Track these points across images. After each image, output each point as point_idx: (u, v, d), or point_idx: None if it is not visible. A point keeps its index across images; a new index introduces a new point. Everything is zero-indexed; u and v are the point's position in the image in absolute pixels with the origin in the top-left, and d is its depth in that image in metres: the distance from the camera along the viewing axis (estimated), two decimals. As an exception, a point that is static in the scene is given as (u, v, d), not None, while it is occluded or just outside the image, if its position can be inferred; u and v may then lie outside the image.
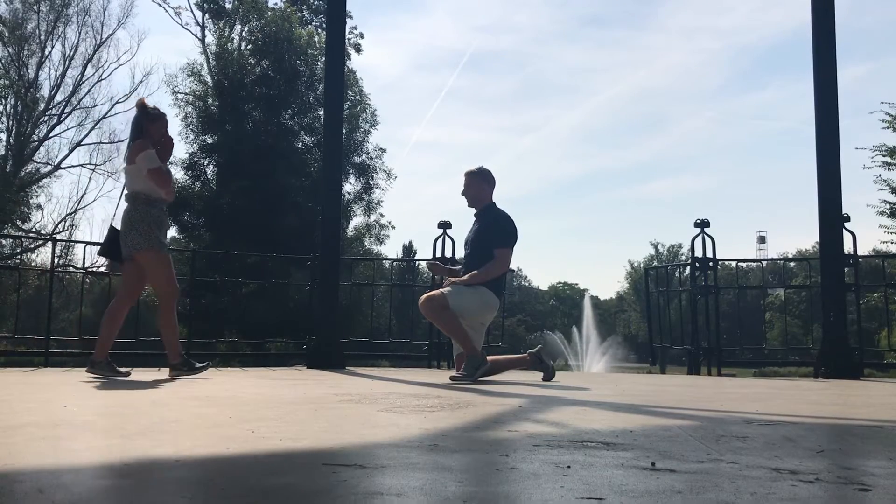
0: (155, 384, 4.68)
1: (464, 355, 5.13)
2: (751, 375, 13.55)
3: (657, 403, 3.90)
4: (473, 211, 5.51)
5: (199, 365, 5.16)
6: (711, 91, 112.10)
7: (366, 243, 27.50)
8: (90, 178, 36.03)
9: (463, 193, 5.46)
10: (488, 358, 5.28)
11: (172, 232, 27.73)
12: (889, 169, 19.08)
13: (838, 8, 6.94)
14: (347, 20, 23.39)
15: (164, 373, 5.44)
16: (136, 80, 34.40)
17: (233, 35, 27.61)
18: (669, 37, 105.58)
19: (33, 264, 25.46)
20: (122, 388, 4.39)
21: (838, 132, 6.70)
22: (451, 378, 5.06)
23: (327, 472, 1.78)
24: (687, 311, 8.09)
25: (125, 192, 5.06)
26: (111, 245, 5.12)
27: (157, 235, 4.95)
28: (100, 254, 5.38)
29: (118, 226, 5.10)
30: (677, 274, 9.40)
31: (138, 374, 5.50)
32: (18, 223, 27.32)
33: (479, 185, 5.43)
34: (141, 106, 5.19)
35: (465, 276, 5.24)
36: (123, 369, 5.20)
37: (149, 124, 5.11)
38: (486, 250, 5.26)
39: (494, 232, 5.32)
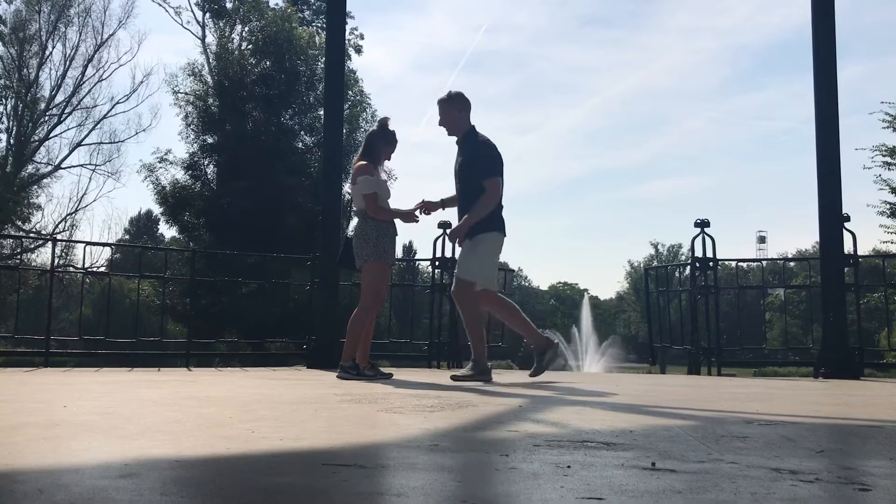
0: (157, 384, 4.68)
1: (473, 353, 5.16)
2: (751, 375, 13.55)
3: (657, 403, 3.90)
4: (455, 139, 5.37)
5: (367, 373, 5.19)
6: (711, 91, 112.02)
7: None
8: (90, 179, 35.90)
9: (440, 124, 5.35)
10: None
11: (173, 232, 27.80)
12: (889, 169, 19.09)
13: (838, 8, 6.94)
14: (348, 21, 23.41)
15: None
16: (137, 81, 34.44)
17: (233, 35, 27.59)
18: (669, 37, 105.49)
19: (33, 264, 25.46)
20: (123, 388, 4.39)
21: (838, 132, 6.69)
22: (453, 377, 5.09)
23: (327, 472, 1.78)
24: (687, 311, 8.09)
25: (353, 207, 5.42)
26: (346, 254, 5.40)
27: (385, 246, 5.20)
28: (337, 263, 5.77)
29: (348, 237, 5.45)
30: (677, 274, 9.41)
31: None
32: (19, 223, 27.33)
33: (451, 112, 5.29)
34: (383, 125, 5.39)
35: (462, 222, 5.13)
36: (386, 370, 5.56)
37: (384, 146, 5.33)
38: (476, 182, 5.13)
39: (479, 162, 5.16)
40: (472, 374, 5.09)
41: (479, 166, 5.15)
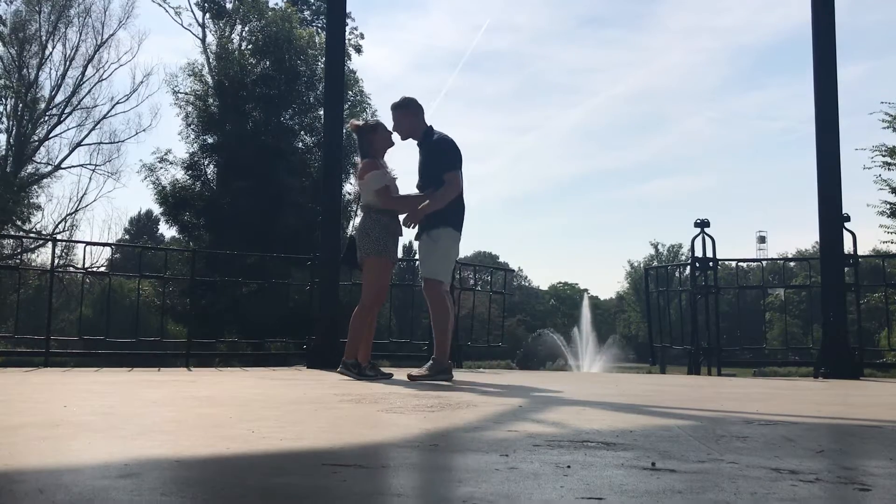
0: (157, 384, 4.68)
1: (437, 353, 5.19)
2: (751, 375, 13.56)
3: (657, 403, 3.90)
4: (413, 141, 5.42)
5: (368, 373, 5.19)
6: (711, 91, 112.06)
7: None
8: (90, 179, 36.01)
9: (394, 129, 5.36)
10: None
11: (173, 232, 27.79)
12: (889, 169, 19.08)
13: (838, 8, 6.94)
14: (348, 21, 23.41)
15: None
16: (137, 81, 34.50)
17: (233, 35, 27.58)
18: (669, 37, 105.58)
19: (33, 264, 25.45)
20: (123, 388, 4.39)
21: (838, 132, 6.70)
22: (409, 377, 5.10)
23: (327, 472, 1.78)
24: (687, 311, 8.09)
25: (360, 202, 5.40)
26: (349, 252, 5.42)
27: (386, 243, 5.19)
28: (341, 262, 5.78)
29: (352, 235, 5.46)
30: (677, 274, 9.41)
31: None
32: (18, 223, 27.32)
33: (408, 117, 5.33)
34: (356, 127, 5.45)
35: (420, 207, 5.15)
36: (386, 370, 5.55)
37: (373, 136, 5.33)
38: (437, 176, 5.18)
39: (440, 157, 5.21)
40: (430, 374, 5.07)
41: (440, 160, 5.20)
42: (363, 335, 5.24)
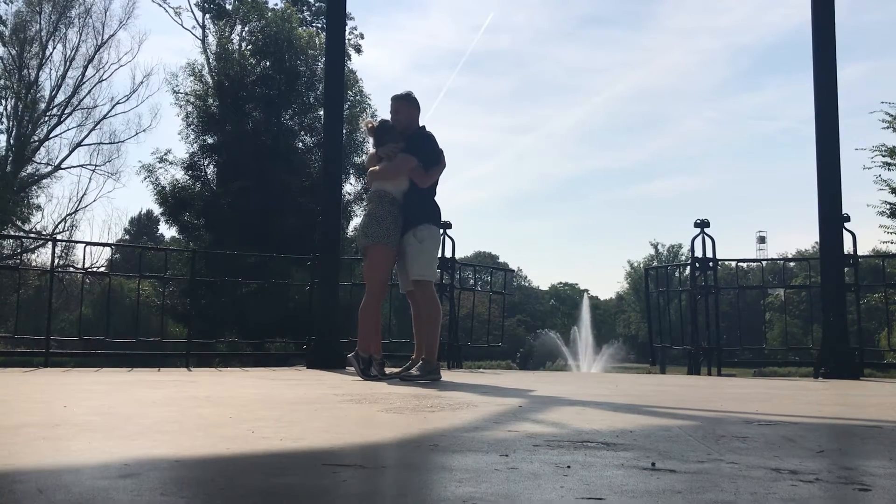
0: (157, 385, 4.68)
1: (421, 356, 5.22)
2: (751, 375, 13.56)
3: (657, 403, 3.90)
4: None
5: (371, 373, 5.20)
6: (711, 91, 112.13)
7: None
8: (90, 179, 36.17)
9: (392, 119, 5.49)
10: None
11: (172, 232, 27.78)
12: (889, 169, 19.06)
13: (838, 7, 6.94)
14: (348, 21, 23.39)
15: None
16: (137, 81, 34.55)
17: (233, 35, 27.57)
18: (668, 37, 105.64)
19: (33, 264, 25.44)
20: (123, 388, 4.39)
21: (838, 132, 6.70)
22: (402, 377, 5.13)
23: (327, 472, 1.78)
24: (687, 311, 8.09)
25: (374, 186, 5.46)
26: None
27: (394, 233, 5.25)
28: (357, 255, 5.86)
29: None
30: (677, 274, 9.40)
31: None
32: (18, 223, 27.32)
33: (409, 111, 5.50)
34: (370, 127, 5.63)
35: (375, 170, 5.35)
36: (388, 370, 5.48)
37: (386, 136, 5.45)
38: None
39: (414, 144, 5.36)
40: (422, 374, 5.10)
41: (412, 146, 5.34)
42: (372, 326, 5.26)
